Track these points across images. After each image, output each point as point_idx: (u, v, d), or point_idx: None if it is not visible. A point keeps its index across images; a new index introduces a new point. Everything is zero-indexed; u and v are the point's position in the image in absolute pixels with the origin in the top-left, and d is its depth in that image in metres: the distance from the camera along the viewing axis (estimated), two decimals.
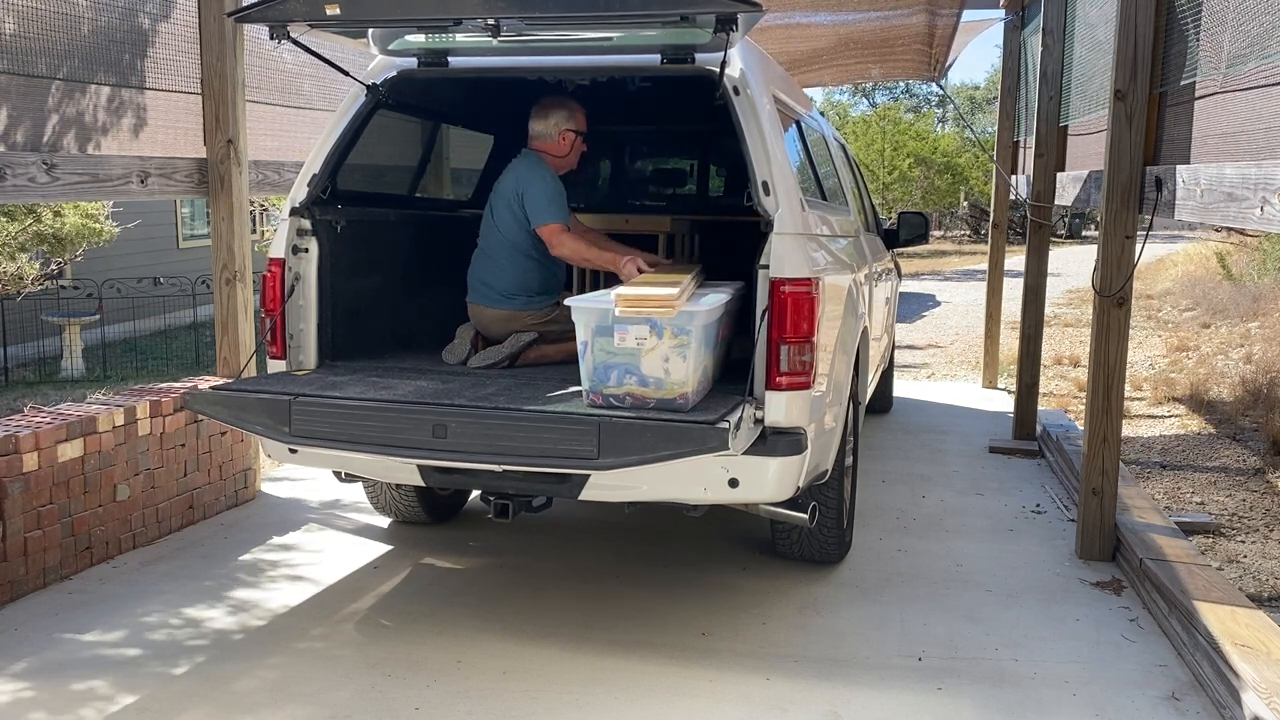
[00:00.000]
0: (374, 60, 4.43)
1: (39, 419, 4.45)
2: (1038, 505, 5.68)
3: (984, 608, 4.25)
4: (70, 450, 4.41)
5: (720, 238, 5.74)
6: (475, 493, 4.62)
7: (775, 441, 3.60)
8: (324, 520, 5.26)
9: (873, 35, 8.62)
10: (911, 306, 16.60)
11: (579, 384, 3.62)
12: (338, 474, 4.22)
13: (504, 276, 4.50)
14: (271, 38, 3.82)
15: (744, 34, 3.66)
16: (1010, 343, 10.34)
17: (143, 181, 5.02)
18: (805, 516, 4.05)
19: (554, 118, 4.59)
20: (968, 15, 8.22)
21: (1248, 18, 3.43)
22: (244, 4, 4.58)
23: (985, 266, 9.47)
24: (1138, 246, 4.57)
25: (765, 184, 3.74)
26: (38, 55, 4.46)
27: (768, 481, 3.61)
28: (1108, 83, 4.65)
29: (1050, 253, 7.30)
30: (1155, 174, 4.34)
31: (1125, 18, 4.43)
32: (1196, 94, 4.00)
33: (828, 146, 5.60)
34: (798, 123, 4.78)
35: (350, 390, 3.73)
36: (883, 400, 7.91)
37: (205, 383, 5.33)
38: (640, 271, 4.21)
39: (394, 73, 4.33)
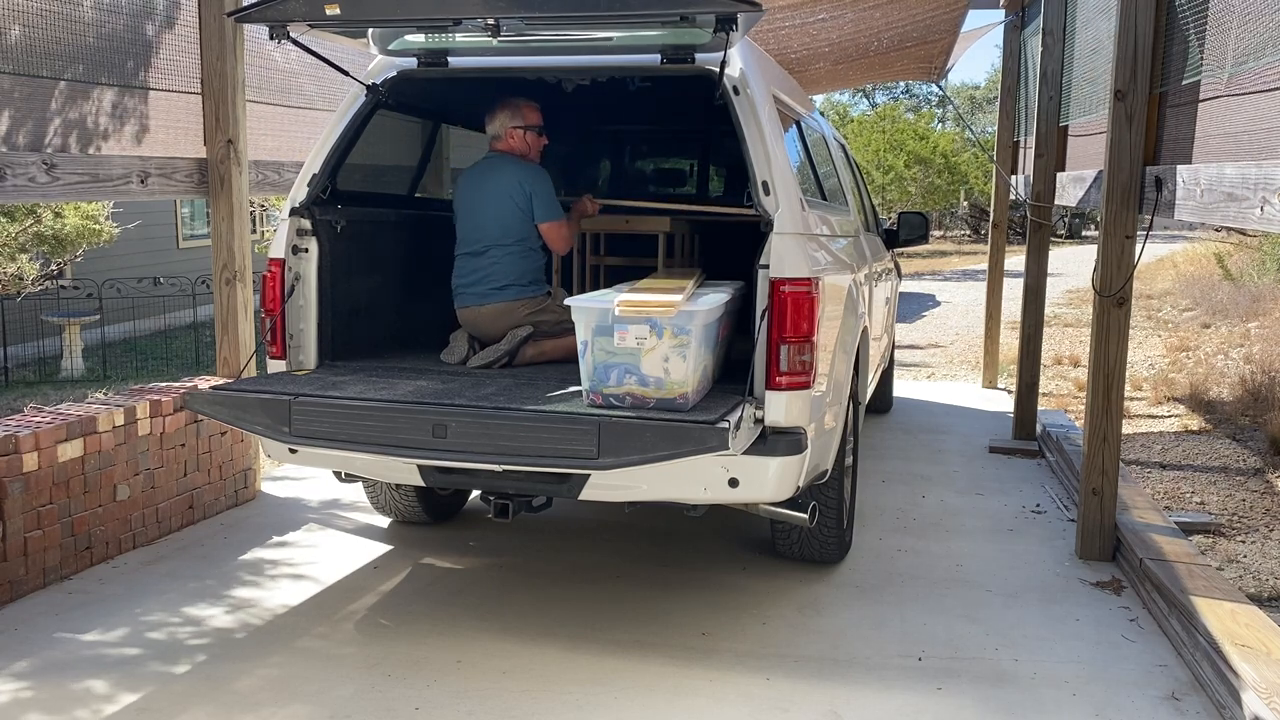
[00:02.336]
0: (374, 60, 4.43)
1: (39, 419, 4.45)
2: (1038, 505, 5.68)
3: (984, 608, 4.25)
4: (70, 450, 4.41)
5: (720, 238, 5.74)
6: (475, 493, 4.62)
7: (775, 441, 3.60)
8: (324, 520, 5.26)
9: (872, 56, 8.61)
10: (911, 306, 16.60)
11: (579, 384, 3.62)
12: (337, 474, 4.22)
13: (497, 271, 4.49)
14: (271, 38, 3.82)
15: (744, 34, 3.66)
16: (1010, 343, 10.34)
17: (143, 181, 5.02)
18: (805, 516, 4.05)
19: (499, 119, 4.62)
20: (969, 19, 8.22)
21: (1250, 19, 3.43)
22: (244, 4, 4.59)
23: (985, 266, 9.47)
24: (1138, 246, 4.57)
25: (765, 184, 3.74)
26: (39, 55, 4.46)
27: (768, 481, 3.60)
28: (1108, 83, 4.65)
29: (1050, 253, 7.30)
30: (1155, 174, 4.34)
31: (1125, 18, 4.43)
32: (1197, 95, 4.01)
33: (828, 146, 5.60)
34: (798, 123, 4.78)
35: (350, 390, 3.73)
36: (883, 400, 7.91)
37: (205, 383, 5.34)
38: (591, 204, 4.84)
39: (394, 73, 4.33)
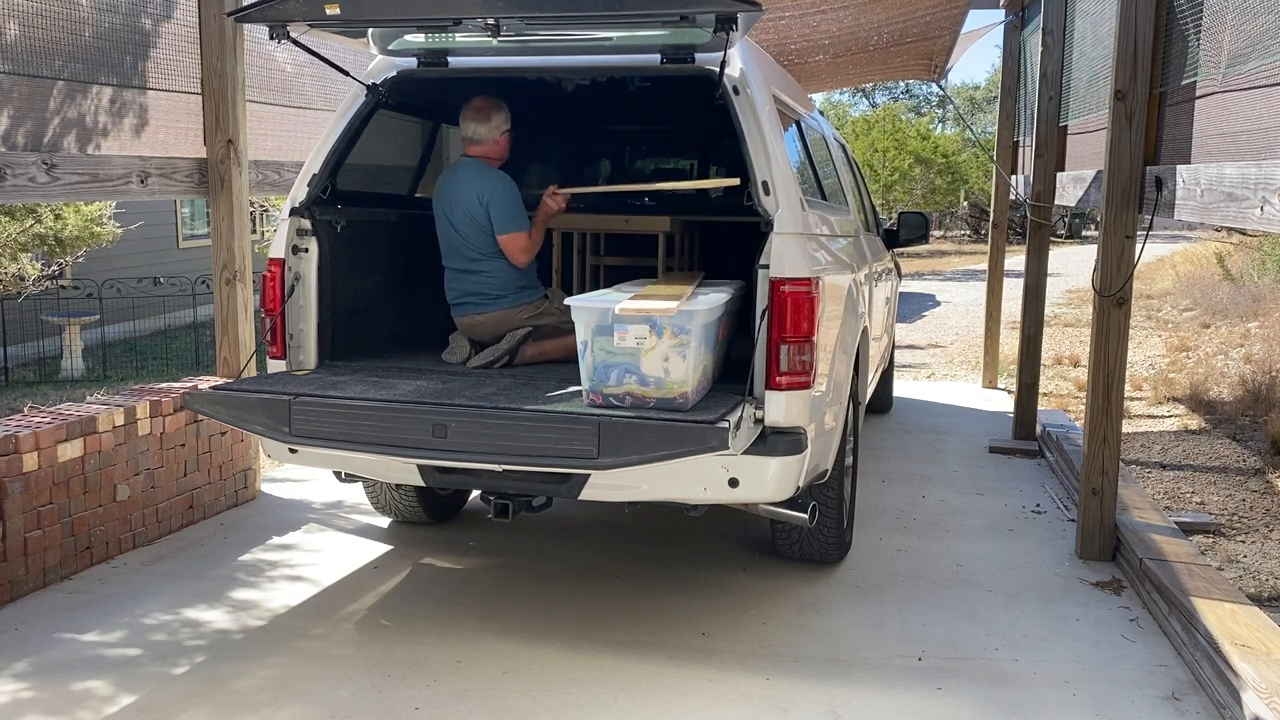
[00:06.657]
0: (374, 60, 4.43)
1: (39, 419, 4.45)
2: (1038, 505, 5.68)
3: (984, 608, 4.25)
4: (70, 450, 4.41)
5: (720, 237, 5.74)
6: (475, 493, 4.62)
7: (775, 441, 3.60)
8: (324, 520, 5.26)
9: (872, 50, 8.60)
10: (911, 306, 16.60)
11: (579, 384, 3.62)
12: (338, 474, 4.22)
13: (487, 282, 4.45)
14: (271, 38, 3.82)
15: (744, 33, 3.66)
16: (1010, 343, 10.34)
17: (143, 181, 5.02)
18: (805, 516, 4.05)
19: (495, 119, 4.48)
20: (969, 19, 8.21)
21: (1248, 17, 3.43)
22: (244, 4, 4.59)
23: (985, 266, 9.47)
24: (1138, 246, 4.57)
25: (765, 184, 3.74)
26: (39, 55, 4.46)
27: (768, 481, 3.60)
28: (1108, 83, 4.65)
29: (1050, 253, 7.31)
30: (1155, 174, 4.34)
31: (1125, 18, 4.43)
32: (1197, 94, 4.01)
33: (828, 146, 5.60)
34: (798, 123, 4.78)
35: (350, 390, 3.73)
36: (883, 400, 7.91)
37: (205, 383, 5.33)
38: (554, 200, 4.49)
39: (394, 73, 4.33)
